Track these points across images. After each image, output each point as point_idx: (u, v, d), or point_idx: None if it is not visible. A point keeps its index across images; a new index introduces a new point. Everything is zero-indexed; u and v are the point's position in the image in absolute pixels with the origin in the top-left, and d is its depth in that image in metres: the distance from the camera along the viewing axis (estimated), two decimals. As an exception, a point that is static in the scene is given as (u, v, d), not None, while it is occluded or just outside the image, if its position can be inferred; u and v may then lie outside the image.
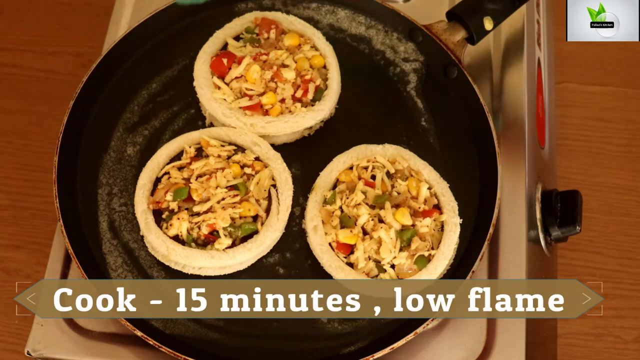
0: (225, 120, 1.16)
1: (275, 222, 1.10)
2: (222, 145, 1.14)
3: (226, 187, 1.09)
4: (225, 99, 1.17)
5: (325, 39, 1.23)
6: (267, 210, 1.11)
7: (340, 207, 1.10)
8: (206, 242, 1.09)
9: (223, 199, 1.08)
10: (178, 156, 1.15)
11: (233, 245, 1.09)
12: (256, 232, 1.09)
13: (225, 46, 1.21)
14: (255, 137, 1.15)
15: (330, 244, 1.09)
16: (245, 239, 1.09)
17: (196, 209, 1.08)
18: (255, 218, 1.10)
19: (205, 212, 1.08)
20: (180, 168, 1.12)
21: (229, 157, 1.13)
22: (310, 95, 1.17)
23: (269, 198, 1.12)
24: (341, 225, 1.09)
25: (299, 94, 1.17)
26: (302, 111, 1.17)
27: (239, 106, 1.16)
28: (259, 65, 1.17)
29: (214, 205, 1.08)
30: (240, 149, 1.15)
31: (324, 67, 1.21)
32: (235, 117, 1.16)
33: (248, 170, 1.12)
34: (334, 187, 1.13)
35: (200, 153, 1.14)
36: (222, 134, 1.15)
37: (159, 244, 1.08)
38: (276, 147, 1.17)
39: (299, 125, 1.17)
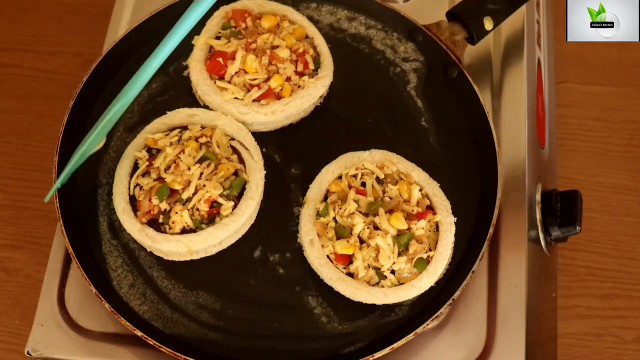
0: (244, 117, 1.17)
1: (255, 164, 1.13)
2: (166, 134, 1.14)
3: (196, 163, 1.10)
4: (237, 97, 1.17)
5: (294, 10, 1.25)
6: (241, 161, 1.13)
7: (334, 218, 1.10)
8: (211, 217, 1.09)
9: (201, 173, 1.09)
10: (135, 168, 1.14)
11: (235, 206, 1.10)
12: (245, 182, 1.11)
13: (210, 50, 1.22)
14: (187, 110, 1.16)
15: (328, 256, 1.09)
16: (240, 196, 1.11)
17: (185, 195, 1.08)
18: (236, 173, 1.11)
19: (195, 192, 1.08)
20: (144, 174, 1.12)
21: (179, 141, 1.13)
22: (311, 65, 1.20)
23: (235, 151, 1.14)
24: (337, 236, 1.09)
25: (300, 67, 1.19)
26: (311, 82, 1.19)
27: (252, 98, 1.17)
28: (253, 54, 1.18)
29: (198, 183, 1.08)
30: (183, 128, 1.16)
31: (306, 37, 1.23)
32: (254, 110, 1.17)
33: (203, 140, 1.13)
34: (325, 198, 1.13)
35: (151, 153, 1.14)
36: (158, 125, 1.16)
37: (175, 245, 1.08)
38: (288, 131, 1.21)
39: (314, 96, 1.19)
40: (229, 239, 1.12)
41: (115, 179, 1.12)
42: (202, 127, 1.15)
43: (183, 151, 1.10)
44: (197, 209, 1.08)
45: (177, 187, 1.08)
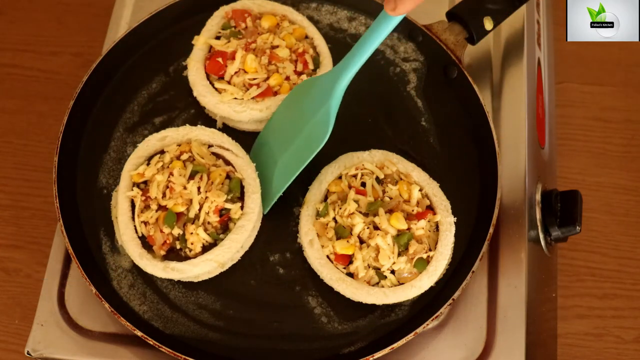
0: (240, 116, 1.17)
1: (242, 160, 1.12)
2: (148, 165, 1.12)
3: (189, 180, 1.09)
4: (236, 98, 1.17)
5: (294, 10, 1.25)
6: (227, 163, 1.12)
7: (334, 218, 1.10)
8: (224, 226, 1.09)
9: (198, 187, 1.08)
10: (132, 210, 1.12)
11: (242, 206, 1.10)
12: (241, 180, 1.11)
13: (210, 50, 1.22)
14: (156, 135, 1.13)
15: (328, 256, 1.09)
16: (242, 195, 1.11)
17: (192, 214, 1.08)
18: (228, 176, 1.11)
19: (200, 208, 1.08)
20: (143, 210, 1.10)
21: (163, 166, 1.12)
22: (311, 65, 1.20)
23: (218, 156, 1.13)
24: (337, 236, 1.09)
25: (299, 67, 1.19)
26: None
27: (251, 97, 1.17)
28: (253, 54, 1.18)
29: (200, 198, 1.08)
30: (160, 153, 1.14)
31: (306, 37, 1.23)
32: (249, 107, 1.17)
33: (185, 157, 1.12)
34: (325, 198, 1.13)
35: (141, 188, 1.12)
36: (135, 160, 1.12)
37: (205, 265, 1.08)
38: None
39: None
40: (248, 239, 1.12)
41: (120, 227, 1.10)
42: (178, 145, 1.14)
43: (172, 174, 1.09)
44: (209, 222, 1.08)
45: (181, 209, 1.07)
